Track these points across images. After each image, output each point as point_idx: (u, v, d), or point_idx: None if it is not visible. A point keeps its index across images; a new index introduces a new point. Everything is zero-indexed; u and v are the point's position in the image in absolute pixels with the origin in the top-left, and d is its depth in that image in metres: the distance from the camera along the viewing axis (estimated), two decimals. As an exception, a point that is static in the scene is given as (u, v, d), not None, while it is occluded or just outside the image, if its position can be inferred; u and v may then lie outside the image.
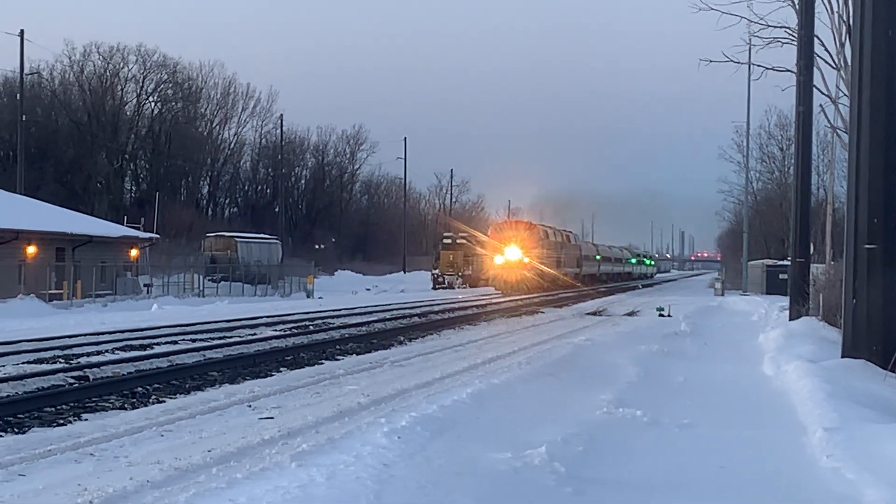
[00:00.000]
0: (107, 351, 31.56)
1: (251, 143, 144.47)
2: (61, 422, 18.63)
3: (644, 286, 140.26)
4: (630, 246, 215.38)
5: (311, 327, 43.71)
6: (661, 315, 55.89)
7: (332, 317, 50.87)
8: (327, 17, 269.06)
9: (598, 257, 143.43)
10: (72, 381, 23.81)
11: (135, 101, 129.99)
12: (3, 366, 26.97)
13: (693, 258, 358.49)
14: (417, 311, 58.07)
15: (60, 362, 28.03)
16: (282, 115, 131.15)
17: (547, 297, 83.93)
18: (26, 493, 12.66)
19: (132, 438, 16.57)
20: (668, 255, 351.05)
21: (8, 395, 21.21)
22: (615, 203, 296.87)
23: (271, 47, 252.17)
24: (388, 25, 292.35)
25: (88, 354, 30.55)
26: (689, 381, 24.00)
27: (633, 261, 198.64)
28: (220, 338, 37.27)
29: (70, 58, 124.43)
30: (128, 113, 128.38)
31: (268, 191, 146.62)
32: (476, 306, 64.16)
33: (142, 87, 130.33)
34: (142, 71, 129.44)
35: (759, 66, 42.88)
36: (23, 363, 27.57)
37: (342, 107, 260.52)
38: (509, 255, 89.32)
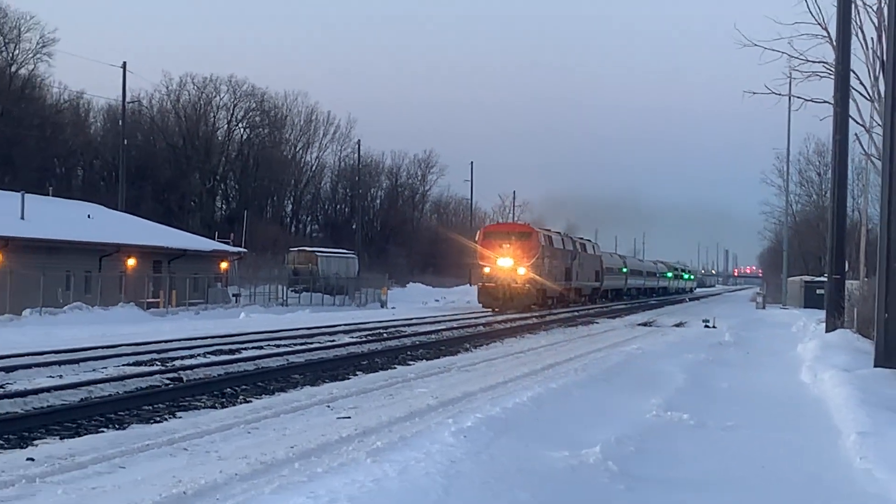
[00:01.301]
0: (199, 355, 31.79)
1: (331, 165, 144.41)
2: (157, 419, 18.83)
3: (691, 299, 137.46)
4: (677, 262, 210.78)
5: (385, 335, 43.71)
6: (706, 326, 55.54)
7: (405, 325, 50.87)
8: (402, 52, 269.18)
9: (624, 270, 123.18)
10: (167, 381, 24.01)
11: (225, 127, 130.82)
12: (105, 367, 27.29)
13: (736, 274, 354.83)
14: (482, 321, 57.69)
15: (157, 365, 28.29)
16: (359, 140, 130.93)
17: (599, 309, 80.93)
18: (126, 484, 12.77)
19: (222, 435, 16.70)
20: (714, 271, 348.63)
21: (109, 395, 21.46)
22: (666, 221, 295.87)
23: (351, 78, 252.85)
24: (456, 58, 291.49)
25: (182, 358, 30.76)
26: (732, 388, 23.90)
27: (670, 275, 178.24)
28: (302, 344, 37.46)
29: (167, 87, 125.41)
30: (219, 138, 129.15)
31: (346, 210, 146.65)
32: (536, 317, 63.63)
33: (232, 114, 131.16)
34: (232, 100, 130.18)
35: (798, 97, 42.60)
36: (123, 365, 27.85)
37: (414, 132, 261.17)
38: (500, 265, 67.54)
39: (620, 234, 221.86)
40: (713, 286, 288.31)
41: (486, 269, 69.12)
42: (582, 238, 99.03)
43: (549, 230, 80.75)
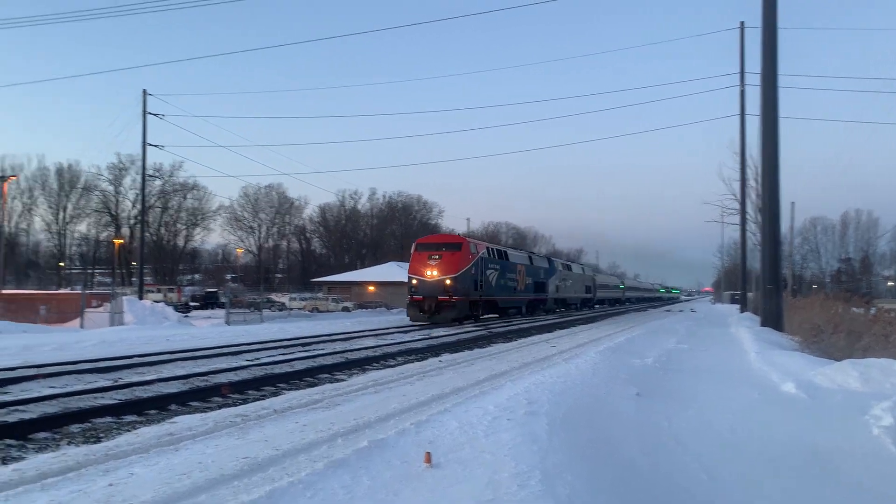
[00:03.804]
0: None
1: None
2: (484, 346, 18.61)
3: (681, 303, 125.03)
4: (673, 286, 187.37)
5: (564, 313, 42.24)
6: (692, 311, 52.50)
7: (565, 314, 49.17)
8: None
9: (621, 287, 76.60)
10: (486, 333, 23.43)
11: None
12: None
13: (703, 291, 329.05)
14: (599, 311, 55.57)
15: (481, 326, 27.55)
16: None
17: (620, 309, 59.83)
18: (474, 371, 12.90)
19: (508, 353, 16.56)
20: (693, 290, 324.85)
21: (466, 339, 21.31)
22: (672, 265, 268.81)
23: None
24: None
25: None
26: (704, 334, 22.47)
27: (662, 290, 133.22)
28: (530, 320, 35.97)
29: (467, 224, 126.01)
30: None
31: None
32: (616, 313, 60.82)
33: (486, 231, 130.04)
34: (486, 225, 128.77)
35: (726, 223, 41.29)
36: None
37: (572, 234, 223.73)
38: (427, 276, 27.87)
39: (646, 270, 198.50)
40: (693, 297, 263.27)
41: (413, 281, 29.14)
42: (564, 260, 57.56)
43: (491, 243, 37.65)
